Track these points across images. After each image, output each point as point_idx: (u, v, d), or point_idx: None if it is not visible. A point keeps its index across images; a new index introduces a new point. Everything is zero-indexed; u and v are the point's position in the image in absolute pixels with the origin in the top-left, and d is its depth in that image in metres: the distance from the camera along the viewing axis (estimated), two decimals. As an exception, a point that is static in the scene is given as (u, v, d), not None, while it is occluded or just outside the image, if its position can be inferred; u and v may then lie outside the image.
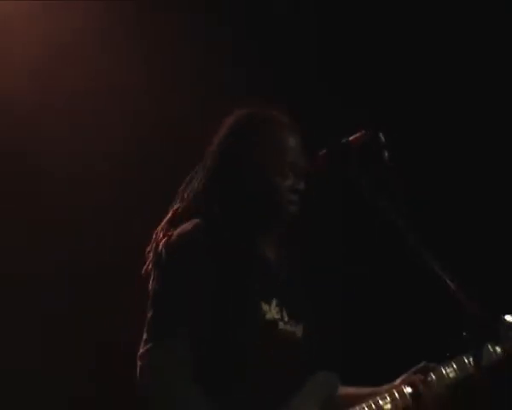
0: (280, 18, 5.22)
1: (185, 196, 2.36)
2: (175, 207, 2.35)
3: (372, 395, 2.31)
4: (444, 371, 2.39)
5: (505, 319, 2.48)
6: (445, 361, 2.45)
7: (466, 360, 2.44)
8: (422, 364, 2.38)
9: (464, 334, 2.01)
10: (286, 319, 2.27)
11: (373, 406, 2.28)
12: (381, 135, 2.18)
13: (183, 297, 2.16)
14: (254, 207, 2.29)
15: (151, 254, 2.31)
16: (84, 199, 4.60)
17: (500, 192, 4.81)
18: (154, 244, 2.30)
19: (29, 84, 4.56)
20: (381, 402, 2.29)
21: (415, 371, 2.37)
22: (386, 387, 2.35)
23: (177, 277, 2.19)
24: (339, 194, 3.41)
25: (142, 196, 4.52)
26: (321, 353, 2.42)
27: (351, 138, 2.22)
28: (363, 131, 2.20)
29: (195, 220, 2.25)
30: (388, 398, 2.31)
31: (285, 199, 2.29)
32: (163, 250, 2.24)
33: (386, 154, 2.16)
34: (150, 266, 2.30)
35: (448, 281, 2.05)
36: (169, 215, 2.35)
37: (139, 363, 2.16)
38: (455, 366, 2.43)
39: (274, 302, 2.26)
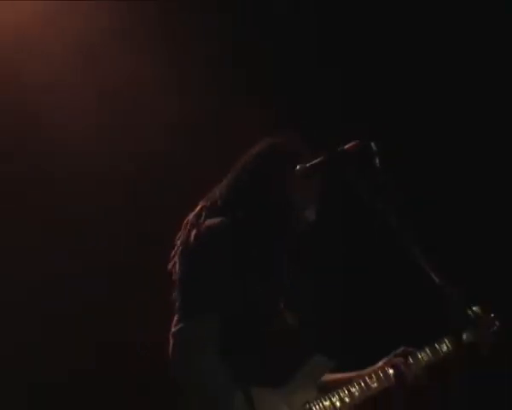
0: (280, 18, 5.23)
1: (213, 197, 2.63)
2: (203, 203, 2.61)
3: (359, 377, 2.59)
4: (419, 356, 2.68)
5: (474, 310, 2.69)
6: (421, 347, 2.74)
7: (438, 347, 2.75)
8: (401, 348, 2.65)
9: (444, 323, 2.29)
10: (289, 312, 2.60)
11: (362, 383, 2.57)
12: (372, 144, 2.39)
13: (212, 281, 2.41)
14: (273, 218, 2.59)
15: (179, 243, 2.55)
16: (110, 198, 4.71)
17: (489, 189, 4.85)
18: (183, 234, 2.54)
19: (55, 84, 4.66)
20: (368, 381, 2.57)
21: (395, 355, 2.64)
22: (369, 369, 2.63)
23: (206, 262, 2.43)
24: (339, 195, 3.58)
25: (167, 195, 4.62)
26: (318, 341, 2.68)
27: (346, 147, 2.43)
28: (357, 141, 2.42)
29: (222, 218, 2.52)
30: (374, 377, 2.59)
31: (298, 219, 2.60)
32: (192, 239, 2.47)
33: (378, 160, 2.37)
34: (178, 254, 2.53)
35: (432, 275, 2.27)
36: (197, 209, 2.59)
37: (171, 341, 2.41)
38: (428, 351, 2.72)
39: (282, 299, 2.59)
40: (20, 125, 4.61)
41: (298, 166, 2.50)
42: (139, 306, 4.33)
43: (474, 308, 2.57)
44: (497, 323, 2.93)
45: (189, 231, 2.52)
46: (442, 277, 2.30)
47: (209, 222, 2.51)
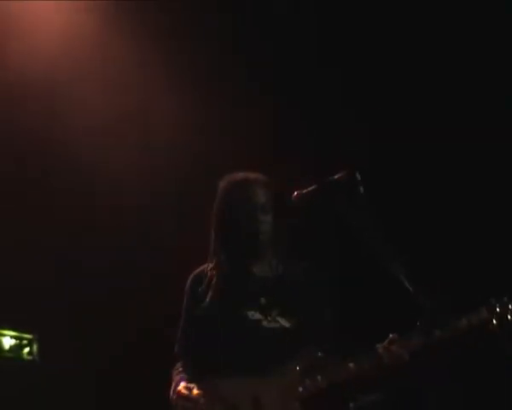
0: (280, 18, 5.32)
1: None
2: None
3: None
4: (405, 340, 2.99)
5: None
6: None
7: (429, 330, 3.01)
8: (391, 336, 2.99)
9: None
10: (270, 317, 3.12)
11: (338, 364, 2.98)
12: (357, 174, 2.91)
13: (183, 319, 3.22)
14: (244, 241, 3.16)
15: None
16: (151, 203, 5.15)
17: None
18: None
19: (102, 100, 5.07)
20: (346, 361, 2.98)
21: (388, 341, 3.00)
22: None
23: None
24: (331, 218, 4.01)
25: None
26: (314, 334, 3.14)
27: (336, 177, 2.95)
28: (344, 172, 2.93)
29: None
30: (366, 359, 2.99)
31: (259, 231, 3.15)
32: None
33: (362, 189, 2.90)
34: None
35: (411, 283, 2.80)
36: None
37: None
38: (416, 334, 3.00)
39: (259, 307, 3.12)
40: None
41: (295, 192, 3.04)
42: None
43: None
44: None
45: None
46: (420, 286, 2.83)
47: None
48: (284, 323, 3.11)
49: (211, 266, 3.24)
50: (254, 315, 3.12)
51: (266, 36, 5.38)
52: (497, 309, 2.92)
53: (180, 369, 3.19)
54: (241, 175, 3.27)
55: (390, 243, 2.90)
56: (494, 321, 2.90)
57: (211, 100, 5.30)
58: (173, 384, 3.14)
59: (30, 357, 4.88)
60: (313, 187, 3.03)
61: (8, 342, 4.83)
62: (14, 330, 4.87)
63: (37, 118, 5.07)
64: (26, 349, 4.89)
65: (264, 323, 3.11)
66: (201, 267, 3.28)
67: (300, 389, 3.00)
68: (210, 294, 3.16)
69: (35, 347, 4.92)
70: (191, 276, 3.27)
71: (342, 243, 4.54)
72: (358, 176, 2.92)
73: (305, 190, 3.02)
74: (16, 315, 4.87)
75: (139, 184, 5.29)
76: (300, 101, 5.42)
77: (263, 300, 3.14)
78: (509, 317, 2.91)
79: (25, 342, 4.89)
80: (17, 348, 4.89)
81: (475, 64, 4.99)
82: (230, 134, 5.25)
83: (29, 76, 5.01)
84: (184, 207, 5.20)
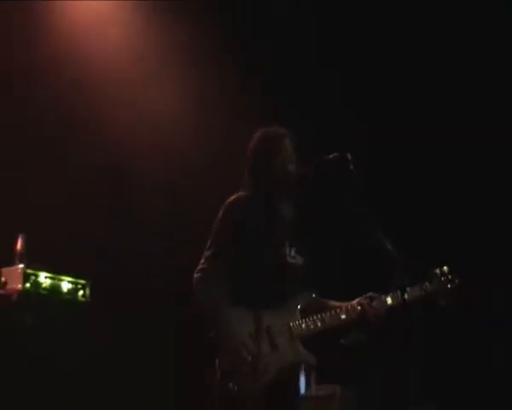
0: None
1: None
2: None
3: (335, 307, 3.54)
4: (383, 299, 3.56)
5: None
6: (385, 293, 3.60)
7: (399, 294, 3.51)
8: (369, 294, 3.57)
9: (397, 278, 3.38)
10: (292, 254, 3.58)
11: (333, 313, 3.51)
12: (348, 154, 3.49)
13: (223, 236, 3.52)
14: (275, 181, 3.59)
15: None
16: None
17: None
18: None
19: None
20: (338, 311, 3.52)
21: (364, 298, 3.56)
22: (345, 303, 3.56)
23: (221, 224, 3.55)
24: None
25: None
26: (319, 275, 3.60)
27: (330, 156, 3.53)
28: (337, 153, 3.52)
29: (235, 195, 3.61)
30: (344, 310, 3.52)
31: (288, 174, 3.58)
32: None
33: (352, 166, 3.48)
34: None
35: (391, 246, 3.35)
36: None
37: (195, 272, 3.49)
38: (390, 296, 3.56)
39: (287, 244, 3.57)
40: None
41: (299, 168, 3.61)
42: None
43: (436, 269, 3.58)
44: (456, 280, 3.63)
45: None
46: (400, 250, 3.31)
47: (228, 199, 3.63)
48: (299, 260, 3.60)
49: (244, 197, 3.57)
50: (282, 250, 3.55)
51: (267, 36, 5.48)
52: (441, 278, 3.58)
53: (214, 280, 3.44)
54: (273, 129, 3.72)
55: (375, 213, 3.39)
56: (440, 287, 3.57)
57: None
58: (207, 289, 3.41)
59: (83, 299, 5.19)
60: (310, 164, 3.59)
61: (66, 286, 5.11)
62: (70, 276, 5.14)
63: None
64: (81, 292, 5.19)
65: (288, 258, 3.57)
66: (237, 197, 3.59)
67: (302, 327, 3.46)
68: (250, 226, 3.50)
69: (88, 290, 5.22)
70: (232, 205, 3.56)
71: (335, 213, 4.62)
72: (349, 155, 3.52)
73: (304, 167, 3.59)
74: (73, 264, 5.18)
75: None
76: (300, 101, 5.47)
77: (285, 237, 3.59)
78: (448, 286, 3.58)
79: (79, 286, 5.18)
80: (73, 291, 5.16)
81: (474, 64, 5.11)
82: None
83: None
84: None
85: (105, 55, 5.51)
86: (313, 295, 3.58)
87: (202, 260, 3.52)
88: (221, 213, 3.57)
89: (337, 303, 3.59)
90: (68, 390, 4.83)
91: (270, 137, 3.72)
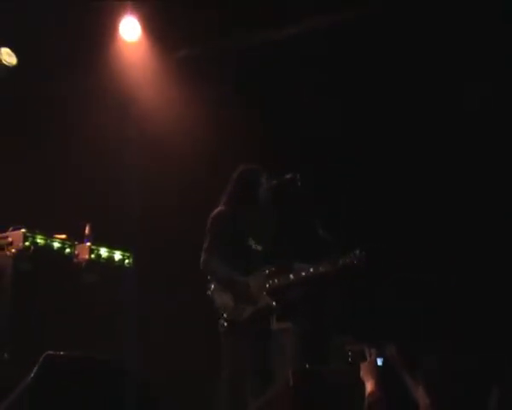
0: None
1: (222, 198, 5.42)
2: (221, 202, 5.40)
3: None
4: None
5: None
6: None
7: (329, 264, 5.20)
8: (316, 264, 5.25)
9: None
10: (254, 244, 5.35)
11: (295, 273, 5.28)
12: (298, 176, 5.20)
13: (214, 235, 5.28)
14: (248, 204, 5.39)
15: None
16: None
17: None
18: None
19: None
20: (300, 271, 5.34)
21: (312, 266, 5.26)
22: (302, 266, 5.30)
23: (211, 228, 5.33)
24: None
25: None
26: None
27: (287, 177, 5.28)
28: (291, 175, 5.23)
29: (220, 208, 5.36)
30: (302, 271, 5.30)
31: (259, 201, 5.48)
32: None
33: (299, 183, 5.22)
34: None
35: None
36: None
37: (201, 258, 5.31)
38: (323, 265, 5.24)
39: (251, 238, 5.36)
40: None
41: (267, 183, 5.35)
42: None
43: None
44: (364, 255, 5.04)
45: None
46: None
47: (214, 211, 5.34)
48: (259, 248, 5.39)
49: (224, 211, 5.22)
50: (250, 242, 5.33)
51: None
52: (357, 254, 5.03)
53: (218, 264, 5.14)
54: (253, 166, 5.32)
55: (317, 211, 5.02)
56: (355, 262, 5.02)
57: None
58: (219, 268, 5.15)
59: (129, 266, 6.44)
60: (275, 182, 5.32)
61: (117, 256, 6.43)
62: (120, 249, 6.43)
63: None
64: (127, 261, 6.45)
65: (253, 246, 5.36)
66: (220, 211, 5.27)
67: (267, 284, 5.17)
68: (230, 228, 5.19)
69: (131, 259, 6.44)
70: (219, 215, 5.27)
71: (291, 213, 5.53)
72: (299, 177, 5.25)
73: (270, 184, 5.30)
74: (121, 239, 6.54)
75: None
76: (300, 101, 6.16)
77: (251, 234, 5.30)
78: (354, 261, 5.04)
79: (126, 256, 6.44)
80: (122, 260, 6.46)
81: (472, 64, 5.27)
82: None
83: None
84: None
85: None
86: (272, 269, 5.34)
87: (204, 249, 5.32)
88: (210, 222, 5.33)
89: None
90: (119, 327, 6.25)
91: (250, 171, 5.30)
